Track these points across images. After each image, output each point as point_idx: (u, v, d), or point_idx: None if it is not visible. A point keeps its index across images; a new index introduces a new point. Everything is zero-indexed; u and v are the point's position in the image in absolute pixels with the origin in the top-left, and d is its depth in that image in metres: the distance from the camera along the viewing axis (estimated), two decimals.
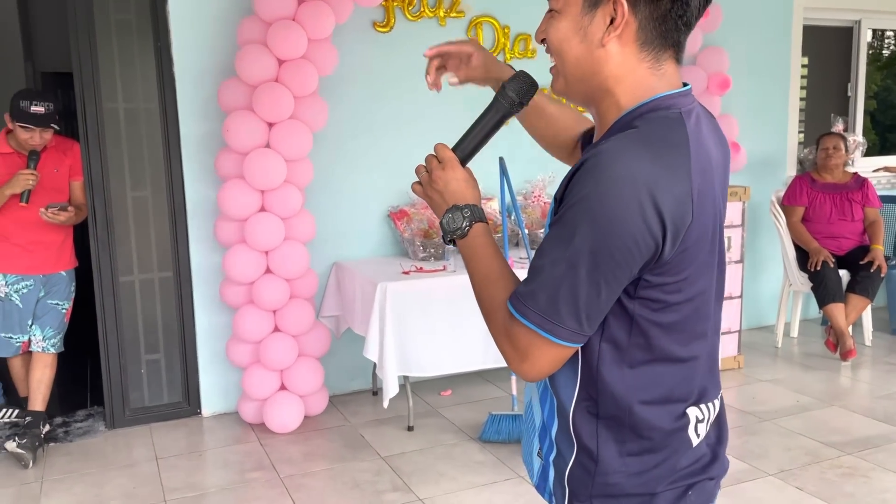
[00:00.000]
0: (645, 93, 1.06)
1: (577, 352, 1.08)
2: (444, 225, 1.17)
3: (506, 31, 4.30)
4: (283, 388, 3.69)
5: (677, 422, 1.10)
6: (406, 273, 3.62)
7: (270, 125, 3.46)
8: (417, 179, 1.24)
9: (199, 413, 3.91)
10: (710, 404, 1.15)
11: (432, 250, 3.90)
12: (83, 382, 4.46)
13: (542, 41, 1.15)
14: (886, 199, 5.32)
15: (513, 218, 3.97)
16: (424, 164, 1.23)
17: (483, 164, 4.18)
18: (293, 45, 3.38)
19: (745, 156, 4.84)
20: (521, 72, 1.23)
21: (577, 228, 0.98)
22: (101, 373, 3.76)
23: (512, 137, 4.32)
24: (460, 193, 1.18)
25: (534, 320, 1.01)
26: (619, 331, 1.06)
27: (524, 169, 4.29)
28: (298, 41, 3.39)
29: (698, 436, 1.13)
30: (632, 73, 1.07)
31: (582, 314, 1.00)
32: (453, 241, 1.18)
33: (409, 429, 3.64)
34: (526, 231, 3.91)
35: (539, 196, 4.34)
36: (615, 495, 1.10)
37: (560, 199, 1.04)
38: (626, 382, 1.07)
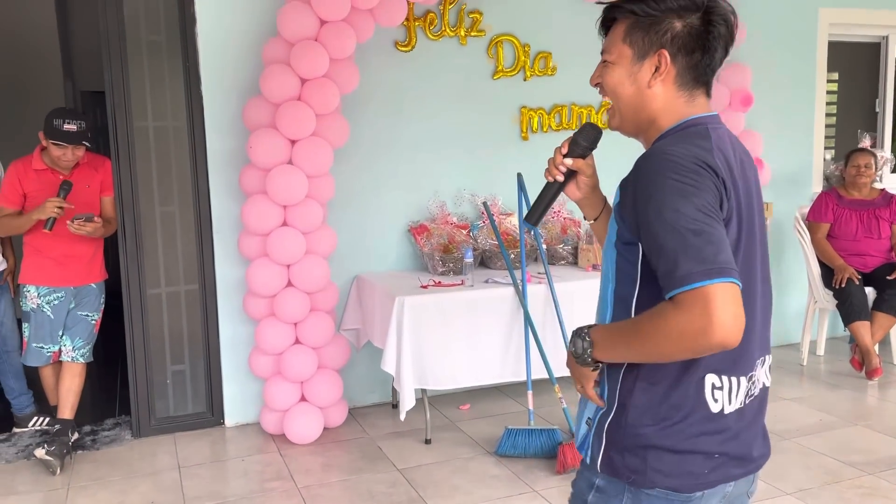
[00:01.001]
0: (681, 117, 1.35)
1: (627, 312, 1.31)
2: (575, 353, 1.35)
3: (526, 49, 4.35)
4: (303, 399, 3.75)
5: (697, 384, 1.29)
6: (424, 287, 3.67)
7: (293, 142, 3.55)
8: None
9: (223, 423, 3.99)
10: (732, 378, 1.31)
11: (451, 265, 3.95)
12: (113, 392, 4.58)
13: (597, 85, 1.42)
14: None
15: (531, 233, 4.00)
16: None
17: (502, 179, 4.25)
18: (315, 65, 3.47)
19: (769, 172, 4.81)
20: (588, 123, 1.52)
21: (664, 200, 1.19)
22: (129, 383, 3.87)
23: (530, 153, 4.39)
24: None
25: (696, 279, 1.14)
26: (656, 296, 1.22)
27: (542, 184, 4.32)
28: (320, 61, 3.48)
29: (716, 401, 1.30)
30: (671, 106, 1.35)
31: (721, 249, 1.16)
32: (594, 359, 1.34)
33: (427, 442, 3.68)
34: (544, 247, 3.94)
35: (558, 212, 4.36)
36: (644, 446, 1.29)
37: (625, 196, 1.28)
38: None
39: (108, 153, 3.73)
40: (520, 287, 3.64)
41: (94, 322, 3.69)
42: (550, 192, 1.54)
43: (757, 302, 1.33)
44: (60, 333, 3.61)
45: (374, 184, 4.14)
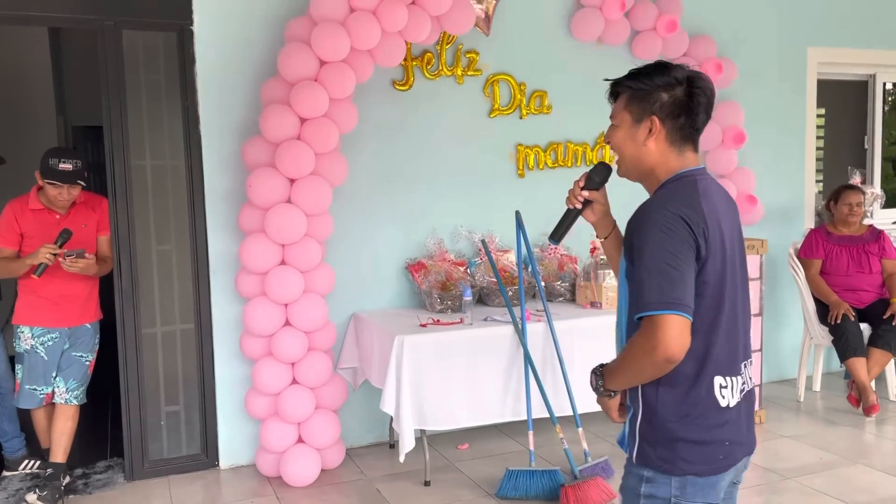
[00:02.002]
0: (673, 171, 1.69)
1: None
2: (593, 387, 1.72)
3: (522, 87, 4.40)
4: (300, 441, 3.70)
5: (708, 385, 1.61)
6: (423, 325, 3.65)
7: (292, 181, 3.55)
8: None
9: (217, 465, 3.92)
10: (731, 378, 1.64)
11: (449, 302, 3.93)
12: (103, 432, 4.49)
13: (608, 142, 1.78)
14: None
15: (529, 270, 4.00)
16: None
17: (498, 216, 4.26)
18: (315, 105, 3.48)
19: (762, 209, 4.85)
20: (602, 162, 1.88)
21: (647, 245, 1.55)
22: (122, 424, 3.80)
23: (526, 191, 4.41)
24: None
25: (652, 308, 1.50)
26: None
27: (541, 223, 4.33)
28: (320, 100, 3.49)
29: (723, 397, 1.62)
30: (665, 160, 1.70)
31: (676, 287, 1.50)
32: (607, 389, 1.70)
33: (426, 483, 3.62)
34: (542, 283, 3.94)
35: (556, 248, 4.37)
36: (672, 439, 1.60)
37: (628, 238, 1.62)
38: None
39: (104, 190, 3.71)
40: (519, 325, 3.62)
41: (87, 363, 3.63)
42: (571, 215, 1.89)
43: (739, 317, 1.67)
44: (54, 375, 3.55)
45: (371, 221, 4.14)
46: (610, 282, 4.00)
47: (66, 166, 3.37)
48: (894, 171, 6.02)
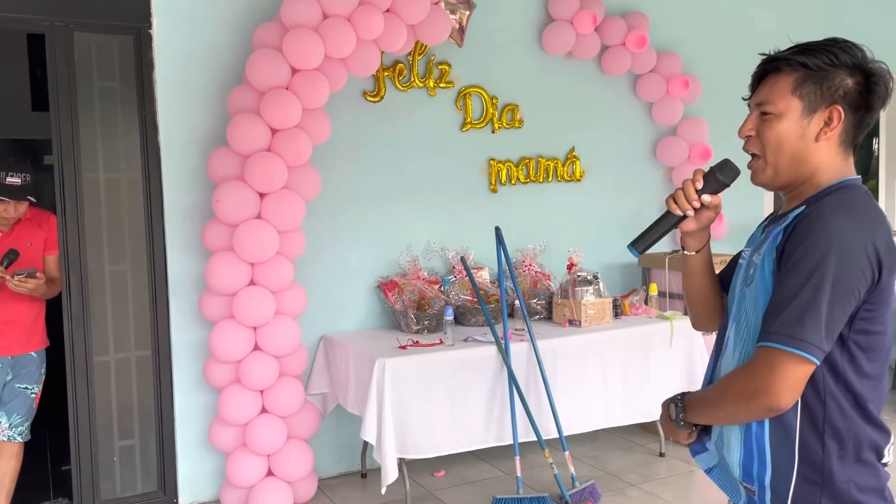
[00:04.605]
0: (838, 175, 1.38)
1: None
2: (672, 417, 1.48)
3: (494, 101, 4.29)
4: (270, 473, 3.45)
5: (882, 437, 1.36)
6: (403, 347, 3.47)
7: (262, 195, 3.33)
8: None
9: (176, 503, 3.62)
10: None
11: (426, 322, 3.76)
12: (44, 470, 4.11)
13: (748, 137, 1.44)
14: None
15: (509, 286, 3.87)
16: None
17: (471, 232, 4.13)
18: (287, 115, 3.28)
19: (726, 224, 4.88)
20: (728, 160, 1.50)
21: (817, 265, 1.24)
22: (66, 460, 3.47)
23: (499, 206, 4.29)
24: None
25: (801, 346, 1.24)
26: (837, 354, 1.31)
27: (515, 238, 4.21)
28: (293, 110, 3.29)
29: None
30: (831, 162, 1.38)
31: (827, 331, 1.25)
32: (684, 420, 1.47)
33: None
34: (524, 301, 3.82)
35: (530, 265, 4.26)
36: (844, 500, 1.31)
37: (782, 250, 1.32)
38: (851, 394, 1.33)
39: (53, 207, 3.40)
40: (502, 345, 3.48)
41: (33, 396, 3.30)
42: (670, 222, 1.51)
43: None
44: None
45: (340, 238, 3.94)
46: (589, 299, 3.91)
47: (14, 180, 3.07)
48: None
